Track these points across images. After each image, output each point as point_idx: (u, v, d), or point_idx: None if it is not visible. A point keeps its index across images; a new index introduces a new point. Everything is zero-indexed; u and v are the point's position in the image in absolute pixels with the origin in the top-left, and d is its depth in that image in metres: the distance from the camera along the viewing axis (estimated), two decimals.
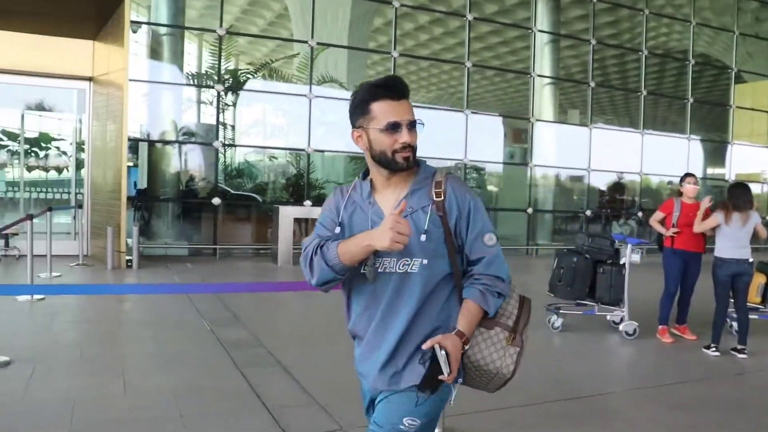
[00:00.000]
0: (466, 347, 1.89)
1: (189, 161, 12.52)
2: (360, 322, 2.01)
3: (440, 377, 1.77)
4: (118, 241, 9.74)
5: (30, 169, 12.19)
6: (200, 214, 12.13)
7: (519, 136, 15.28)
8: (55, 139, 12.36)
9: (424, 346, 1.82)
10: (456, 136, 13.52)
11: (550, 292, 6.63)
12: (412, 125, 1.90)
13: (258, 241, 12.30)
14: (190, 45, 13.07)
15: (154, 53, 12.08)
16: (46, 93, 11.75)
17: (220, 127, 12.13)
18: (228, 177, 12.66)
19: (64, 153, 12.22)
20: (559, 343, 6.28)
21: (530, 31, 14.54)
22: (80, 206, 10.86)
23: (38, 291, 7.67)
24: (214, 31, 11.79)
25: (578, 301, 6.54)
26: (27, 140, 12.05)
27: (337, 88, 13.34)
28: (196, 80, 12.86)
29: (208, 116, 12.47)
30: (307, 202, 12.05)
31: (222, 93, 12.02)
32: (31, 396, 4.11)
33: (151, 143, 12.01)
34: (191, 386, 4.40)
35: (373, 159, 1.94)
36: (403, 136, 1.88)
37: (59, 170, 12.35)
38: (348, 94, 13.42)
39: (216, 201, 11.59)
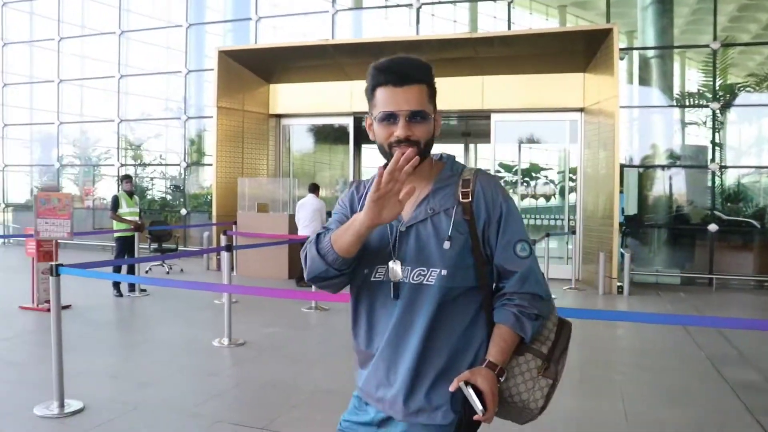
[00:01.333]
0: (502, 379, 1.60)
1: (679, 185, 11.98)
2: (368, 340, 1.75)
3: (475, 417, 1.53)
4: (610, 266, 9.86)
5: (522, 197, 13.32)
6: (693, 240, 11.48)
7: None
8: (543, 169, 13.29)
9: (451, 388, 1.56)
10: None
11: None
12: (413, 116, 1.62)
13: (762, 272, 11.01)
14: (674, 64, 12.59)
15: (639, 77, 11.99)
16: (537, 126, 12.71)
17: (716, 148, 11.33)
18: (723, 201, 11.71)
19: (552, 181, 13.03)
20: None
21: None
22: (573, 232, 11.34)
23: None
24: (707, 46, 11.10)
25: None
26: (521, 171, 13.18)
27: None
28: (686, 100, 12.30)
29: (698, 137, 11.78)
30: None
31: (717, 111, 11.21)
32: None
33: (641, 168, 11.88)
34: (698, 426, 4.20)
35: (379, 151, 1.71)
36: (398, 129, 1.61)
37: (547, 198, 13.21)
38: None
39: (712, 227, 10.82)
